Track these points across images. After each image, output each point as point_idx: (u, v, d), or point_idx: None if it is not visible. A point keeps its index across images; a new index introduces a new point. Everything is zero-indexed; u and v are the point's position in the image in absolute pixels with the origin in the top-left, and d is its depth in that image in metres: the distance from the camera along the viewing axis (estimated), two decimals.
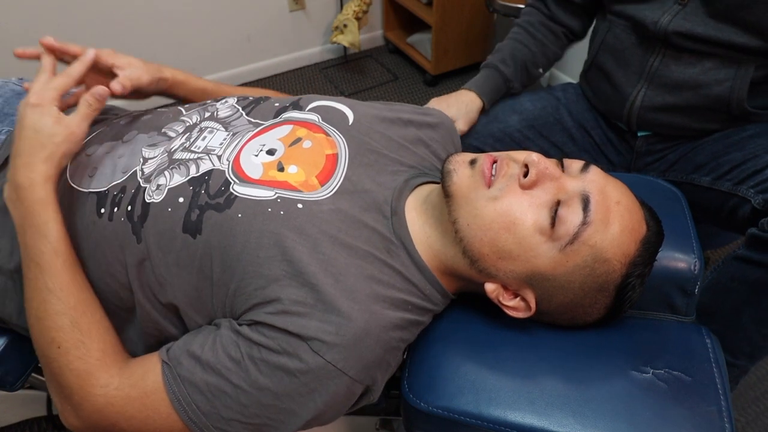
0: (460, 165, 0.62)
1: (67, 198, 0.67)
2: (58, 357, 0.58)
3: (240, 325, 0.56)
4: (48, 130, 0.62)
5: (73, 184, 0.68)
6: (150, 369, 0.57)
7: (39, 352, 0.60)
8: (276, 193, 0.61)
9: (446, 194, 0.61)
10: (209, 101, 0.78)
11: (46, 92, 0.64)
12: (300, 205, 0.60)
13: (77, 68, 0.68)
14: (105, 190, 0.66)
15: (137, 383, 0.57)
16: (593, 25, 1.11)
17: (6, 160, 0.73)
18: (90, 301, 0.61)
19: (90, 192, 0.66)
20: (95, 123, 0.82)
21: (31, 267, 0.60)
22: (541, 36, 1.11)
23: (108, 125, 0.77)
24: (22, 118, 0.63)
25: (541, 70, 1.13)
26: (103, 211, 0.64)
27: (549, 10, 1.11)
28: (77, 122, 0.64)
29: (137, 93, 0.78)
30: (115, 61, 0.73)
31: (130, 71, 0.73)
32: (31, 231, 0.60)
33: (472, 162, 0.62)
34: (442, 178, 0.62)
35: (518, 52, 1.09)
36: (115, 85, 0.70)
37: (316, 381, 0.53)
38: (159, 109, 0.80)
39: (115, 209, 0.64)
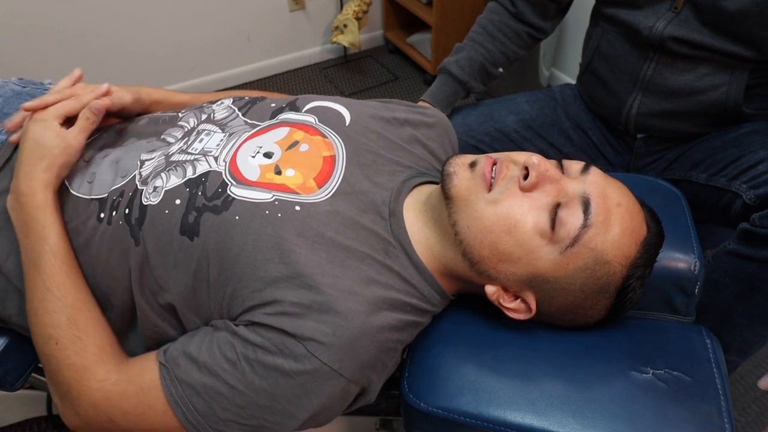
0: (460, 168, 0.62)
1: (68, 205, 0.67)
2: (56, 353, 0.59)
3: (237, 325, 0.56)
4: (49, 142, 0.66)
5: (72, 191, 0.68)
6: (147, 367, 0.57)
7: (38, 350, 0.61)
8: (273, 195, 0.61)
9: (446, 197, 0.61)
10: (205, 103, 0.78)
11: (52, 110, 0.69)
12: (297, 208, 0.60)
13: (88, 96, 0.71)
14: (105, 196, 0.66)
15: (134, 379, 0.57)
16: (586, 31, 1.09)
17: (5, 163, 0.74)
18: (87, 300, 0.62)
19: (92, 199, 0.67)
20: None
21: (30, 269, 0.62)
22: (501, 36, 1.08)
23: (105, 131, 0.77)
24: (27, 131, 0.68)
25: (501, 70, 1.12)
26: (102, 215, 0.65)
27: (515, 8, 1.07)
28: (74, 135, 0.68)
29: (122, 113, 0.79)
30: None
31: (117, 94, 0.76)
32: (31, 235, 0.63)
33: (472, 164, 0.62)
34: (441, 181, 0.62)
35: (476, 53, 1.08)
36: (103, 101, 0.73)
37: (312, 382, 0.53)
38: (155, 114, 0.79)
39: (114, 213, 0.64)
